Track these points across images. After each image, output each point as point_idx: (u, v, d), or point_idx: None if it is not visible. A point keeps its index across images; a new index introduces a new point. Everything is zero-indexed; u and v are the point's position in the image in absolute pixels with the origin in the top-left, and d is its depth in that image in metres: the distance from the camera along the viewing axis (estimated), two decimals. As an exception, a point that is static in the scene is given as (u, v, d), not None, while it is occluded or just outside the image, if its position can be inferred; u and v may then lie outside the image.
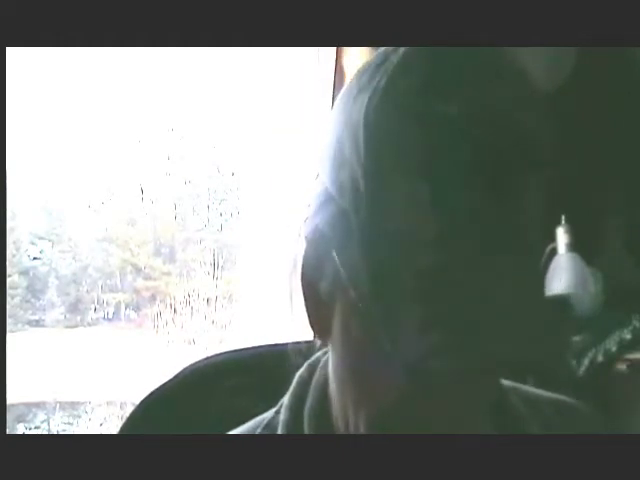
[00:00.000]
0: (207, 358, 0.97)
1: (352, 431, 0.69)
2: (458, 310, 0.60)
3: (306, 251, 0.70)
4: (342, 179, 0.65)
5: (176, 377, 0.96)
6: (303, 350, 0.79)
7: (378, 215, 0.62)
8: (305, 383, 0.77)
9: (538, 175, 0.62)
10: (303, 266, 0.70)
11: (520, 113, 0.62)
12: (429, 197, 0.60)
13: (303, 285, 0.70)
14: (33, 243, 3.46)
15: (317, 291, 0.69)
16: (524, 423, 0.77)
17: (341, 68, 2.01)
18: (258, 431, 0.77)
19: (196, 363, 0.97)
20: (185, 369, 0.96)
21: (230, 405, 0.87)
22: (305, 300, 0.71)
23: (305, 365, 0.79)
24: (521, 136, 0.61)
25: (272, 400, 0.78)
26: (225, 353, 0.96)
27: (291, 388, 0.78)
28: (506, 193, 0.61)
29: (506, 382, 0.81)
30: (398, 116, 0.62)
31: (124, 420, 0.93)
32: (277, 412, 0.78)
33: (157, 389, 0.95)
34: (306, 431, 0.74)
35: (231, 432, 0.78)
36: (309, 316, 0.71)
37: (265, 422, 0.78)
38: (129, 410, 0.94)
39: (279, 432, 0.75)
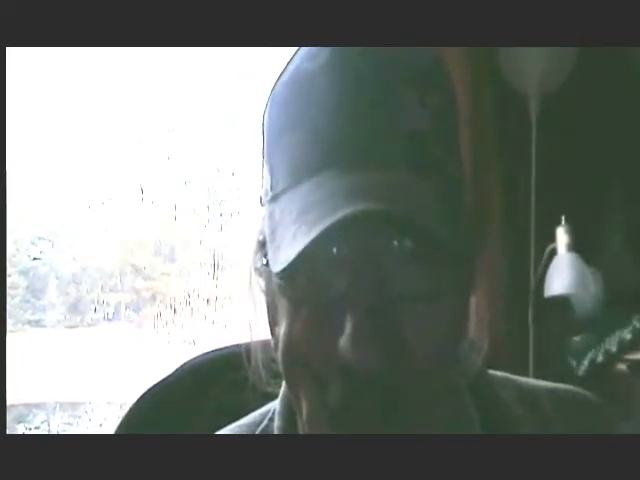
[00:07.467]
0: (205, 353, 0.98)
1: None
2: None
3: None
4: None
5: (175, 373, 0.96)
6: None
7: None
8: None
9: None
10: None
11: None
12: None
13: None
14: (33, 243, 3.46)
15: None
16: (518, 422, 0.72)
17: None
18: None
19: (194, 359, 0.97)
20: (184, 365, 0.97)
21: (228, 400, 0.87)
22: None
23: None
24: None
25: (269, 395, 0.77)
26: (223, 348, 0.97)
27: (281, 393, 0.76)
28: None
29: (497, 373, 0.77)
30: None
31: (123, 415, 0.93)
32: (271, 419, 0.76)
33: (156, 384, 0.95)
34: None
35: (225, 428, 0.78)
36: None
37: (260, 429, 0.76)
38: (129, 411, 0.95)
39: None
